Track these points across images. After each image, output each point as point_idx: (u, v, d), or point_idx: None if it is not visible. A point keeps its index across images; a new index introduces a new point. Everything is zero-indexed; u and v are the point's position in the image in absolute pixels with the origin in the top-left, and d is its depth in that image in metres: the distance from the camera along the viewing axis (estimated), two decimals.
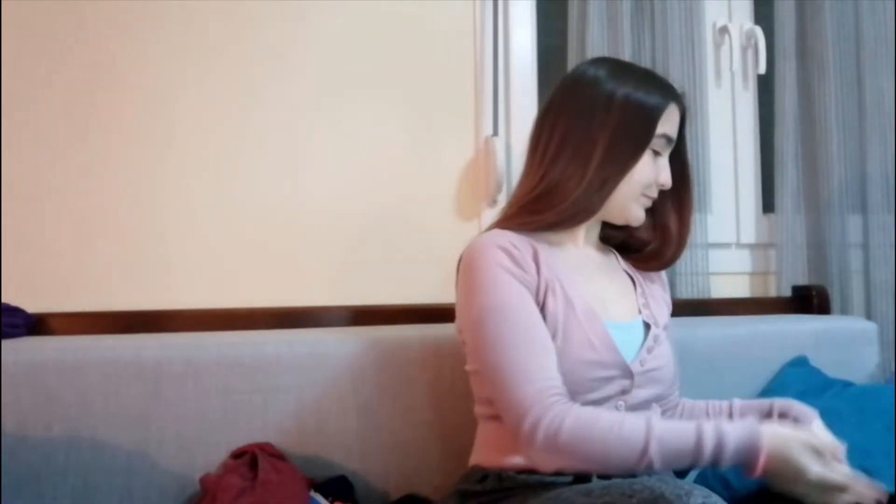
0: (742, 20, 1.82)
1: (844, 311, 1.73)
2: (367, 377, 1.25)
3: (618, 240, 1.17)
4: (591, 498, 0.81)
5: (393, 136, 1.55)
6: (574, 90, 1.06)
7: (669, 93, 1.05)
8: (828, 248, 1.73)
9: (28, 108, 1.38)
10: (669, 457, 0.86)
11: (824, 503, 0.87)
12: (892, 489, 1.12)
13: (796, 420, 1.06)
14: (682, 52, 1.66)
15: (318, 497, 1.12)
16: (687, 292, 1.65)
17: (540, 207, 1.03)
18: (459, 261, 1.05)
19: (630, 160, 1.02)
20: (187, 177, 1.44)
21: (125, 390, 1.17)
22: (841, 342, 1.54)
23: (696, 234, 1.63)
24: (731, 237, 1.80)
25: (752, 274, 1.81)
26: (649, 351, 1.05)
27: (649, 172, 1.04)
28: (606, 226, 1.15)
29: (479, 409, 1.07)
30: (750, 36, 1.80)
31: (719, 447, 0.86)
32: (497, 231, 1.04)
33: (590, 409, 0.91)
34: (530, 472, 0.95)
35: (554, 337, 0.98)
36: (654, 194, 1.08)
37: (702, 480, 1.11)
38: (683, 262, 1.64)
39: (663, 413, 1.15)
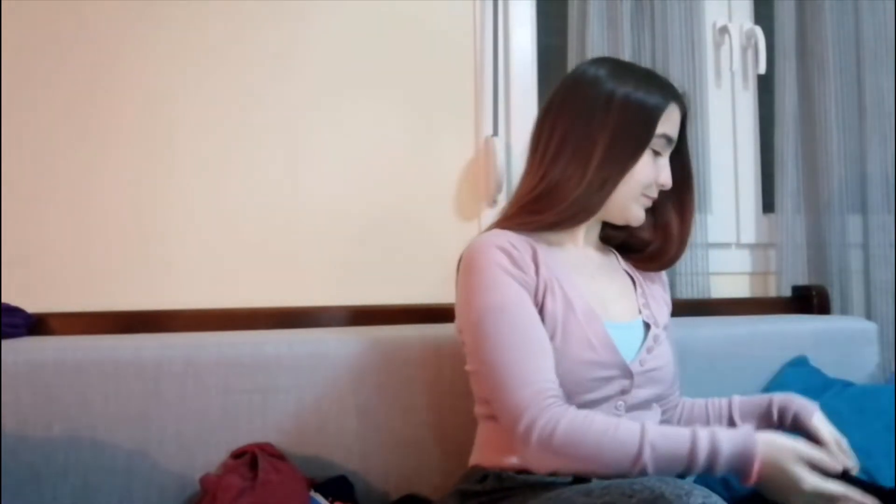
0: (742, 20, 1.82)
1: (844, 311, 1.73)
2: (367, 377, 1.25)
3: (618, 240, 1.17)
4: (590, 498, 0.81)
5: (393, 136, 1.55)
6: (574, 90, 1.06)
7: (670, 93, 1.05)
8: (828, 248, 1.73)
9: (28, 108, 1.38)
10: (663, 462, 0.86)
11: None
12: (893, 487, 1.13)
13: (797, 415, 1.06)
14: (682, 52, 1.67)
15: (318, 497, 1.12)
16: (687, 292, 1.65)
17: (540, 207, 1.03)
18: (459, 261, 1.05)
19: (630, 160, 1.02)
20: (187, 177, 1.44)
21: (125, 390, 1.17)
22: (841, 342, 1.54)
23: (696, 234, 1.63)
24: (731, 237, 1.80)
25: (752, 274, 1.81)
26: (649, 351, 1.05)
27: (649, 172, 1.04)
28: (607, 226, 1.15)
29: (479, 409, 1.07)
30: (750, 36, 1.80)
31: (713, 454, 0.86)
32: (496, 231, 1.04)
33: (585, 412, 0.91)
34: (530, 472, 0.95)
35: (553, 337, 0.98)
36: (654, 194, 1.08)
37: (702, 480, 1.11)
38: (683, 262, 1.64)
39: (664, 413, 1.15)
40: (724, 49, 1.79)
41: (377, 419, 1.25)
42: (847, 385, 1.40)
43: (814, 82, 1.74)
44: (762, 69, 1.76)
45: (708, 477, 1.13)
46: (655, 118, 1.02)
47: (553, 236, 1.07)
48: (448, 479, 1.20)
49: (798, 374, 1.42)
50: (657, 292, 1.16)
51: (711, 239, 1.70)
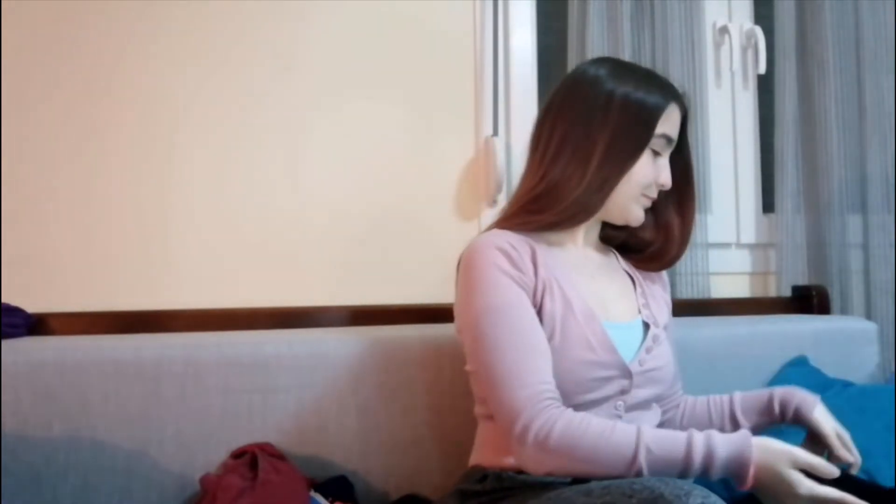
0: (742, 20, 1.82)
1: (844, 311, 1.73)
2: (367, 377, 1.25)
3: (619, 240, 1.17)
4: (591, 498, 0.81)
5: (393, 136, 1.55)
6: (574, 90, 1.06)
7: (670, 93, 1.04)
8: (828, 248, 1.73)
9: (28, 108, 1.38)
10: (658, 465, 0.86)
11: None
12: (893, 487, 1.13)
13: (798, 408, 1.06)
14: (682, 52, 1.67)
15: (318, 497, 1.12)
16: (687, 292, 1.65)
17: (539, 207, 1.03)
18: (459, 261, 1.05)
19: (629, 160, 1.02)
20: (187, 177, 1.44)
21: (125, 390, 1.17)
22: (841, 342, 1.54)
23: (696, 234, 1.63)
24: (731, 237, 1.80)
25: (752, 274, 1.81)
26: (648, 351, 1.05)
27: (649, 173, 1.04)
28: (607, 226, 1.15)
29: (479, 409, 1.07)
30: (750, 36, 1.80)
31: (709, 458, 0.86)
32: (496, 231, 1.04)
33: (581, 415, 0.91)
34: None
35: (551, 337, 0.98)
36: (654, 195, 1.08)
37: (702, 481, 1.11)
38: (683, 262, 1.64)
39: (665, 412, 1.15)
40: (724, 49, 1.79)
41: (377, 419, 1.25)
42: (847, 385, 1.40)
43: (814, 82, 1.74)
44: (762, 69, 1.76)
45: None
46: (655, 118, 1.02)
47: (553, 236, 1.07)
48: (448, 479, 1.20)
49: (798, 374, 1.42)
50: (657, 292, 1.16)
51: (711, 239, 1.70)
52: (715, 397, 1.16)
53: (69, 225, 1.39)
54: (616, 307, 1.08)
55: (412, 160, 1.55)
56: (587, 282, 1.06)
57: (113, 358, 1.17)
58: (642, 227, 1.12)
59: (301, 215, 1.49)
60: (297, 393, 1.22)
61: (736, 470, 0.86)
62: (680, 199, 1.13)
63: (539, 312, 0.99)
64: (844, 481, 0.88)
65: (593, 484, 0.84)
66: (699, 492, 0.76)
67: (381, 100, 1.54)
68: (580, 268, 1.08)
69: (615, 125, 1.01)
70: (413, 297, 1.49)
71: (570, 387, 0.97)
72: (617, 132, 1.01)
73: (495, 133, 1.58)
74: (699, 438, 0.87)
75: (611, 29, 1.61)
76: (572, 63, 1.63)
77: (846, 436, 1.05)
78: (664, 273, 1.21)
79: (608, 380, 1.00)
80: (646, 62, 1.63)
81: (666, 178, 1.06)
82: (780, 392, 1.10)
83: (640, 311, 1.10)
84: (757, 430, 1.11)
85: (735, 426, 1.12)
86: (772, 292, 1.79)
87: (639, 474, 0.86)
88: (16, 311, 1.29)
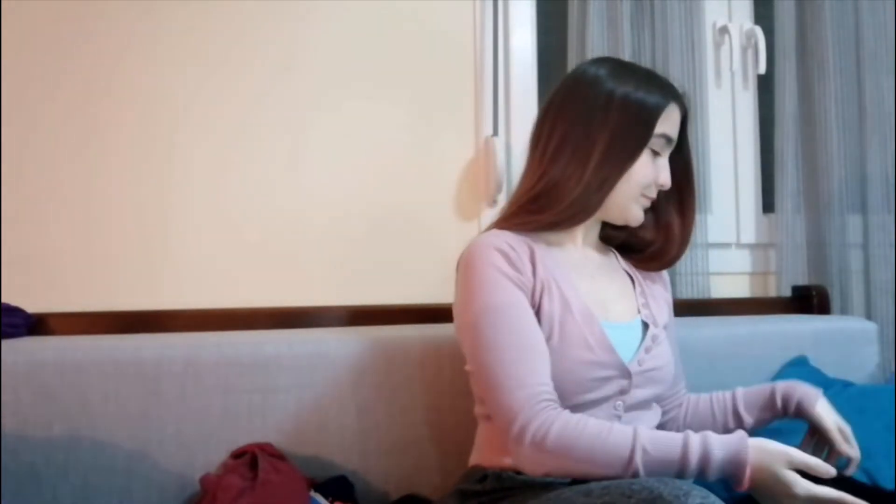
0: (742, 20, 1.82)
1: (844, 311, 1.73)
2: (367, 377, 1.25)
3: (619, 239, 1.17)
4: (590, 498, 0.81)
5: (393, 135, 1.55)
6: (574, 89, 1.06)
7: (670, 93, 1.04)
8: (828, 248, 1.73)
9: (28, 109, 1.38)
10: (655, 466, 0.86)
11: None
12: (892, 487, 1.13)
13: (800, 402, 1.07)
14: (682, 52, 1.67)
15: (318, 497, 1.12)
16: (687, 292, 1.65)
17: (538, 207, 1.03)
18: (459, 261, 1.05)
19: (628, 160, 1.02)
20: (187, 177, 1.44)
21: (125, 390, 1.17)
22: (841, 342, 1.54)
23: (696, 234, 1.63)
24: (731, 237, 1.80)
25: (752, 274, 1.81)
26: (647, 351, 1.05)
27: (648, 172, 1.04)
28: (607, 225, 1.15)
29: (478, 409, 1.07)
30: (750, 36, 1.80)
31: (705, 459, 0.86)
32: (494, 231, 1.04)
33: (578, 416, 0.92)
34: None
35: (550, 337, 0.98)
36: (654, 194, 1.08)
37: (700, 481, 1.11)
38: (683, 262, 1.64)
39: (668, 412, 1.15)
40: (724, 49, 1.79)
41: (377, 419, 1.25)
42: (847, 385, 1.39)
43: (814, 82, 1.74)
44: (762, 69, 1.76)
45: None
46: (654, 118, 1.02)
47: (552, 236, 1.07)
48: (448, 478, 1.20)
49: (798, 374, 1.42)
50: (658, 292, 1.16)
51: (711, 239, 1.70)
52: (717, 394, 1.17)
53: (69, 225, 1.39)
54: (615, 307, 1.08)
55: (412, 160, 1.55)
56: (586, 282, 1.06)
57: (113, 358, 1.17)
58: (642, 226, 1.12)
59: (301, 215, 1.49)
60: (297, 393, 1.22)
61: (732, 471, 0.86)
62: (680, 198, 1.13)
63: (537, 313, 0.99)
64: (844, 483, 0.88)
65: (593, 484, 0.84)
66: (698, 492, 0.76)
67: (381, 99, 1.54)
68: (580, 268, 1.08)
69: (615, 125, 1.01)
70: (413, 297, 1.49)
71: (570, 387, 0.97)
72: (616, 132, 1.01)
73: (495, 133, 1.58)
74: (695, 440, 0.87)
75: (611, 29, 1.61)
76: (572, 63, 1.62)
77: (848, 430, 1.05)
78: (665, 272, 1.21)
79: (607, 380, 1.00)
80: (646, 62, 1.63)
81: (665, 178, 1.06)
82: (781, 386, 1.10)
83: (639, 311, 1.10)
84: (760, 425, 1.11)
85: (738, 422, 1.12)
86: (772, 292, 1.79)
87: (635, 475, 0.86)
88: (16, 311, 1.29)
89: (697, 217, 1.62)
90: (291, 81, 1.50)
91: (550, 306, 1.00)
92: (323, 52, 1.52)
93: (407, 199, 1.55)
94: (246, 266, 1.46)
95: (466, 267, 1.01)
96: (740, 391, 1.14)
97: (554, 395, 0.94)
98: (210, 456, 1.18)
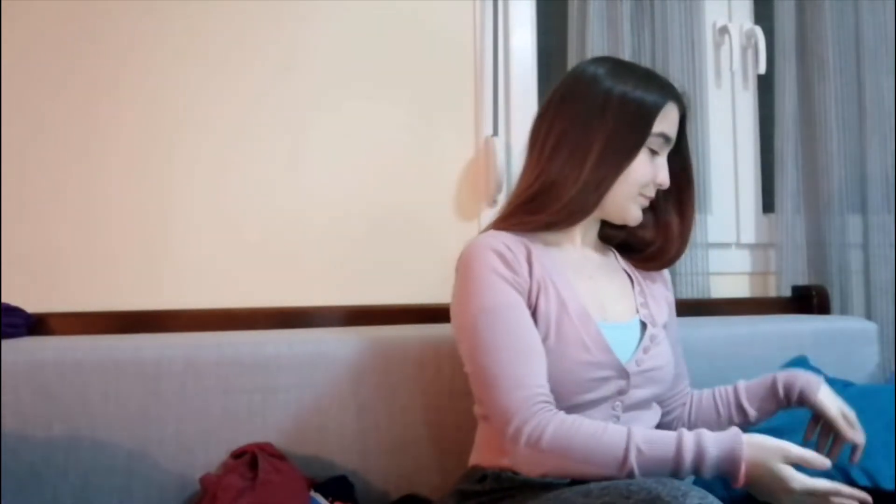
0: (742, 20, 1.82)
1: (844, 311, 1.73)
2: (367, 377, 1.25)
3: (618, 239, 1.17)
4: (589, 498, 0.81)
5: (393, 135, 1.55)
6: (572, 88, 1.06)
7: (668, 92, 1.04)
8: (828, 248, 1.73)
9: (29, 109, 1.38)
10: (649, 465, 0.87)
11: None
12: (892, 487, 1.13)
13: (802, 391, 1.06)
14: (682, 52, 1.67)
15: (318, 497, 1.12)
16: (687, 292, 1.65)
17: (535, 207, 1.03)
18: (458, 262, 1.05)
19: (626, 159, 1.02)
20: (188, 177, 1.44)
21: (125, 390, 1.17)
22: (841, 342, 1.54)
23: (696, 234, 1.63)
24: (731, 237, 1.80)
25: (752, 274, 1.81)
26: (646, 351, 1.05)
27: (646, 172, 1.04)
28: (606, 225, 1.15)
29: (478, 409, 1.07)
30: (750, 36, 1.80)
31: (699, 457, 0.86)
32: (492, 232, 1.04)
33: (573, 417, 0.92)
34: None
35: (546, 338, 0.98)
36: (652, 194, 1.08)
37: (702, 481, 1.11)
38: (683, 262, 1.64)
39: (672, 411, 1.15)
40: (724, 49, 1.79)
41: (377, 419, 1.25)
42: (847, 385, 1.39)
43: (814, 82, 1.74)
44: (762, 69, 1.76)
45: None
46: (652, 116, 1.02)
47: (550, 236, 1.07)
48: (447, 478, 1.20)
49: None
50: (658, 291, 1.16)
51: (711, 239, 1.70)
52: (720, 389, 1.16)
53: (69, 225, 1.39)
54: (614, 307, 1.07)
55: (412, 160, 1.55)
56: (585, 282, 1.06)
57: (113, 358, 1.17)
58: (642, 226, 1.12)
59: (301, 215, 1.49)
60: (297, 393, 1.22)
61: (727, 468, 0.87)
62: (679, 198, 1.13)
63: (534, 313, 0.99)
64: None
65: (592, 485, 0.84)
66: (696, 492, 0.76)
67: (381, 100, 1.54)
68: (578, 268, 1.08)
69: (612, 124, 1.01)
70: (413, 297, 1.49)
71: (567, 387, 0.97)
72: (614, 131, 1.01)
73: (495, 133, 1.58)
74: (689, 438, 0.87)
75: (611, 29, 1.61)
76: (572, 63, 1.63)
77: (852, 415, 1.05)
78: (665, 271, 1.20)
79: (605, 380, 1.00)
80: (646, 62, 1.63)
81: (664, 178, 1.06)
82: (782, 376, 1.10)
83: (637, 311, 1.10)
84: (765, 417, 1.11)
85: (742, 415, 1.12)
86: (772, 292, 1.79)
87: (630, 474, 0.86)
88: (16, 311, 1.29)
89: (697, 217, 1.63)
90: (291, 81, 1.50)
91: (547, 307, 1.00)
92: (323, 52, 1.52)
93: (407, 199, 1.55)
94: (246, 266, 1.46)
95: (463, 268, 1.01)
96: (742, 384, 1.14)
97: (550, 397, 0.94)
98: (210, 456, 1.18)
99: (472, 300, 0.98)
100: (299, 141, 1.50)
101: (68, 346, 1.19)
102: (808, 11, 1.76)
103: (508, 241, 1.01)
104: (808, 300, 1.69)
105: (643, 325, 1.08)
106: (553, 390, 0.95)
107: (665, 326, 1.11)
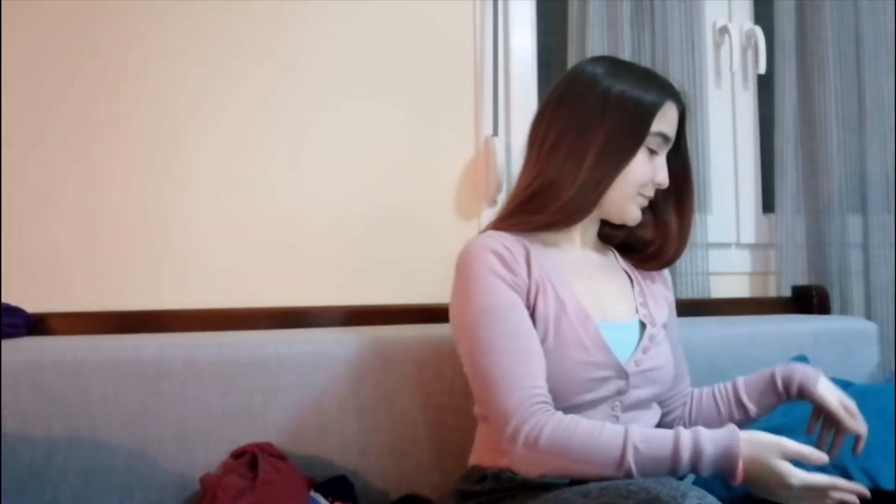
0: (742, 20, 1.82)
1: (844, 311, 1.73)
2: (366, 377, 1.25)
3: (618, 238, 1.17)
4: (589, 499, 0.81)
5: (393, 135, 1.55)
6: (571, 87, 1.06)
7: (667, 91, 1.04)
8: (828, 248, 1.73)
9: (30, 109, 1.38)
10: (647, 464, 0.87)
11: None
12: (892, 487, 1.13)
13: (801, 384, 1.06)
14: (682, 52, 1.67)
15: (318, 497, 1.12)
16: (687, 292, 1.65)
17: (534, 207, 1.03)
18: (457, 263, 1.05)
19: (625, 158, 1.02)
20: (188, 177, 1.44)
21: (125, 390, 1.17)
22: (841, 342, 1.54)
23: (696, 234, 1.63)
24: (731, 237, 1.80)
25: (752, 274, 1.81)
26: (645, 351, 1.05)
27: (645, 171, 1.04)
28: (606, 224, 1.14)
29: (478, 409, 1.07)
30: (750, 36, 1.80)
31: (696, 455, 0.86)
32: (490, 233, 1.04)
33: (570, 417, 0.92)
34: None
35: (545, 338, 0.98)
36: (651, 193, 1.08)
37: (702, 481, 1.11)
38: (683, 262, 1.64)
39: (672, 411, 1.15)
40: (724, 49, 1.79)
41: (377, 419, 1.25)
42: (847, 385, 1.39)
43: (814, 82, 1.74)
44: (762, 69, 1.76)
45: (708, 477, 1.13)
46: (651, 116, 1.02)
47: (549, 236, 1.07)
48: (447, 478, 1.20)
49: None
50: (657, 291, 1.16)
51: (711, 239, 1.70)
52: (719, 386, 1.16)
53: (70, 225, 1.39)
54: (614, 307, 1.07)
55: (412, 160, 1.55)
56: (584, 282, 1.06)
57: (113, 358, 1.17)
58: (641, 226, 1.12)
59: (301, 215, 1.49)
60: (297, 393, 1.22)
61: (725, 465, 0.86)
62: (679, 198, 1.13)
63: (532, 314, 0.99)
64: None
65: (591, 485, 0.84)
66: (695, 493, 0.76)
67: (381, 100, 1.54)
68: (577, 268, 1.08)
69: (611, 123, 1.01)
70: (413, 297, 1.49)
71: (566, 387, 0.97)
72: (612, 130, 1.01)
73: (495, 133, 1.58)
74: (686, 436, 0.87)
75: (611, 29, 1.61)
76: (572, 63, 1.62)
77: (853, 406, 1.04)
78: (666, 271, 1.20)
79: (604, 380, 1.00)
80: (646, 62, 1.63)
81: (663, 177, 1.06)
82: (781, 370, 1.09)
83: (637, 311, 1.10)
84: (766, 412, 1.11)
85: (742, 410, 1.12)
86: (772, 292, 1.79)
87: (628, 473, 0.86)
88: (16, 311, 1.29)
89: (697, 217, 1.63)
90: (292, 82, 1.50)
91: (545, 307, 1.00)
92: (324, 52, 1.52)
93: (407, 199, 1.55)
94: (246, 266, 1.46)
95: (462, 269, 1.01)
96: (741, 380, 1.14)
97: (548, 398, 0.94)
98: (210, 456, 1.18)
99: (471, 301, 0.98)
100: (299, 141, 1.50)
101: (68, 346, 1.19)
102: (807, 11, 1.76)
103: (507, 242, 1.01)
104: (808, 300, 1.69)
105: (642, 326, 1.08)
106: (552, 391, 0.95)
107: (665, 326, 1.11)
